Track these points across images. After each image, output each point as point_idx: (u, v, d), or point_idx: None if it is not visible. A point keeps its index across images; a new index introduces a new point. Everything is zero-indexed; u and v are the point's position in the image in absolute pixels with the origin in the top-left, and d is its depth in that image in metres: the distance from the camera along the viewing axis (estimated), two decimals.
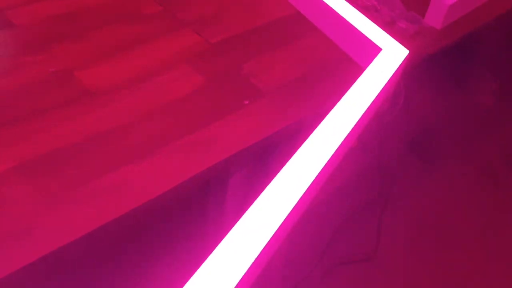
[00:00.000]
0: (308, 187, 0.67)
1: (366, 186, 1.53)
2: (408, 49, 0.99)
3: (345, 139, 0.75)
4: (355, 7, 1.10)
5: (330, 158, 0.73)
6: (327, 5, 1.03)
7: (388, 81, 0.88)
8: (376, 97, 0.85)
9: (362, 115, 0.81)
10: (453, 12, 1.15)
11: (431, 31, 1.17)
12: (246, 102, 0.89)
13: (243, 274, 0.55)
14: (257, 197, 0.64)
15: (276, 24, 1.10)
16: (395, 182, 1.56)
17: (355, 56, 1.01)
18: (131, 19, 1.08)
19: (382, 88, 0.86)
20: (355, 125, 0.78)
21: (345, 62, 1.02)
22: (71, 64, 0.93)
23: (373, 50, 0.94)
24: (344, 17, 1.00)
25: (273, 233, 0.60)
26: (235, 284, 0.54)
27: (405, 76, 1.51)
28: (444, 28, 1.17)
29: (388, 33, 1.12)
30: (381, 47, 0.93)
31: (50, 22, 1.03)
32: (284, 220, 0.62)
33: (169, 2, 1.13)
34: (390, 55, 0.91)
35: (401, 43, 1.09)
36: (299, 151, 0.72)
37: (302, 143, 0.73)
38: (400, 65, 0.92)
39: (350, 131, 0.77)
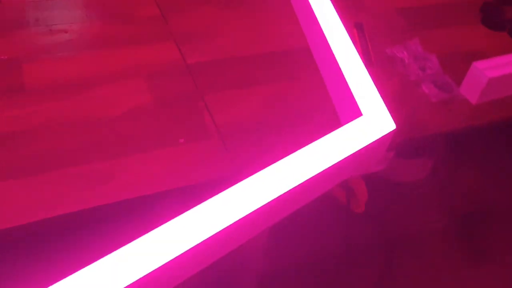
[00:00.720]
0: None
1: (364, 262, 1.29)
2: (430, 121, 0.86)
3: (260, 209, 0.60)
4: (378, 55, 0.93)
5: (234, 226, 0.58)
6: (331, 51, 0.85)
7: (357, 152, 0.70)
8: (331, 167, 0.67)
9: (300, 186, 0.64)
10: (494, 88, 0.92)
11: (463, 104, 0.95)
12: (181, 140, 0.75)
13: None
14: None
15: (268, 58, 0.94)
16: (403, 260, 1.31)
17: (340, 113, 0.84)
18: (120, 19, 0.98)
19: (345, 158, 0.68)
20: (284, 194, 0.62)
21: (329, 116, 0.84)
22: (25, 55, 0.86)
23: (356, 112, 0.76)
24: (341, 66, 0.82)
25: None
26: None
27: (441, 145, 1.28)
28: (480, 104, 0.95)
29: (403, 94, 0.93)
30: (362, 112, 0.74)
31: (29, 4, 0.96)
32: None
33: (170, 9, 1.02)
34: (368, 125, 0.72)
35: (417, 109, 0.91)
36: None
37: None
38: (381, 138, 0.73)
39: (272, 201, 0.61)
